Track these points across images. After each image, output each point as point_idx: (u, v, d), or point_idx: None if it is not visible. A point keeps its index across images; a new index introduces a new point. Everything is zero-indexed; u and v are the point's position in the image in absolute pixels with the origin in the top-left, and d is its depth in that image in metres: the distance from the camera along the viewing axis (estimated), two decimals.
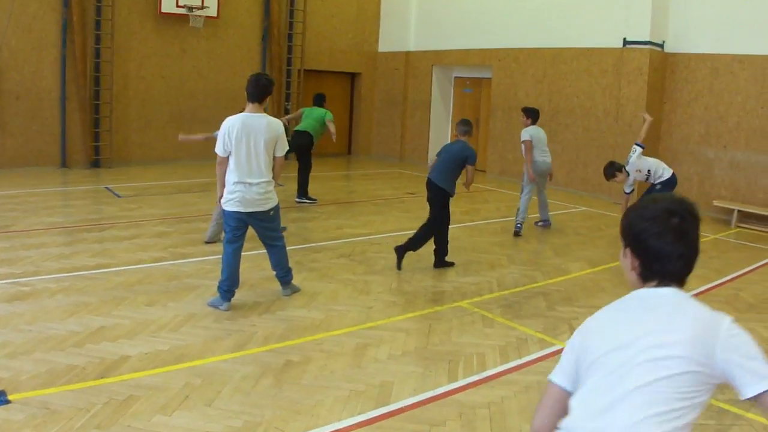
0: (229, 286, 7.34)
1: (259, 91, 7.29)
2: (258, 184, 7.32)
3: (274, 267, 7.84)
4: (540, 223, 12.69)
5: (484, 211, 13.95)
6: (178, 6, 17.57)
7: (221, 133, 7.17)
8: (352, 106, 22.87)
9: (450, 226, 9.59)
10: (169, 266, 8.93)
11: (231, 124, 7.19)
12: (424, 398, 5.49)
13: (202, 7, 17.80)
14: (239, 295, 7.69)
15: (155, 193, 13.80)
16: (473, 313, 7.69)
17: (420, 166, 20.24)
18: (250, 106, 7.30)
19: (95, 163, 17.17)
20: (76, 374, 5.59)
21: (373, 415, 5.15)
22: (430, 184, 9.30)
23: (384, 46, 22.48)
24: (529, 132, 12.07)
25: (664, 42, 15.77)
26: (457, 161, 9.20)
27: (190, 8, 17.65)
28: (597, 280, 9.14)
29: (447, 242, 9.41)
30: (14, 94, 16.01)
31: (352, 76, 22.76)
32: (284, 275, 7.88)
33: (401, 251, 9.19)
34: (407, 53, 21.65)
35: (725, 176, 14.91)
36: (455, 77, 21.40)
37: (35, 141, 16.48)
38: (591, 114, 16.62)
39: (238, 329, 6.83)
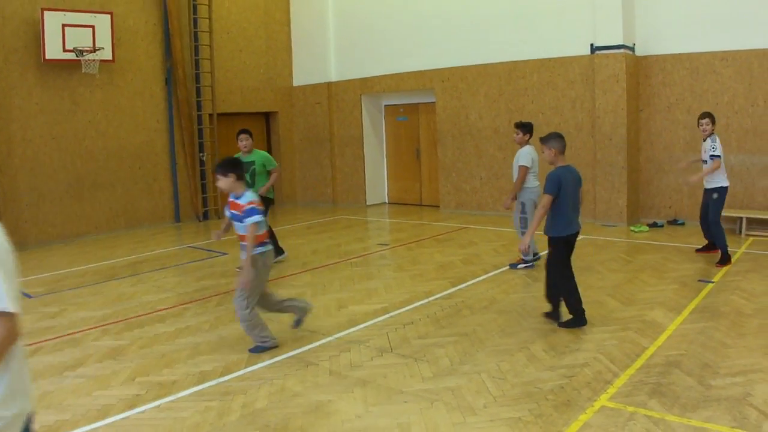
0: None
1: None
2: None
3: None
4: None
5: (484, 255, 11.54)
6: (65, 50, 14.45)
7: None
8: (270, 149, 20.07)
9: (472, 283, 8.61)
10: (156, 414, 5.90)
11: None
12: None
13: (95, 50, 14.77)
14: None
15: (75, 285, 10.72)
16: (633, 416, 5.27)
17: (355, 209, 17.86)
18: None
19: None
20: None
21: None
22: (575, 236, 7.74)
23: (300, 79, 19.88)
24: (530, 155, 10.29)
25: (634, 45, 14.06)
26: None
27: (81, 51, 14.58)
28: (707, 333, 7.29)
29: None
30: None
31: (267, 116, 19.96)
32: None
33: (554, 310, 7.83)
34: (329, 84, 19.17)
35: None
36: (385, 105, 18.96)
37: None
38: (560, 130, 14.42)
39: None
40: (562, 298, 7.71)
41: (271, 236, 10.98)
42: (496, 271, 10.52)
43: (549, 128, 14.22)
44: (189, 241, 14.75)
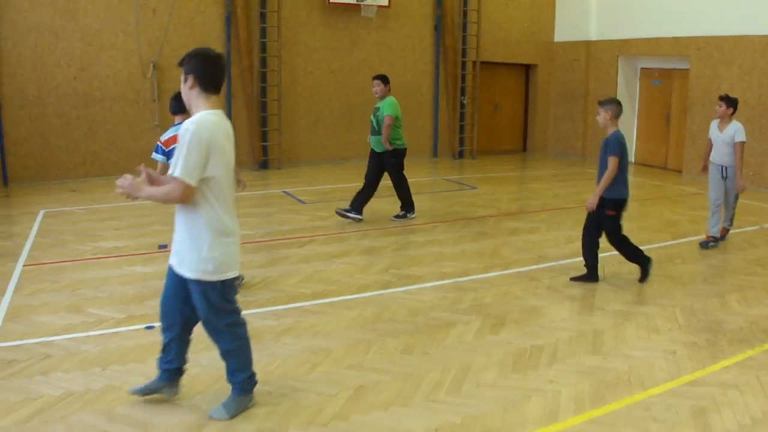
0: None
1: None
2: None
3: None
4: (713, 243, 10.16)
5: None
6: None
7: (195, 146, 4.33)
8: (527, 100, 21.17)
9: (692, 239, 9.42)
10: (402, 295, 7.60)
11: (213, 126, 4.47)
12: None
13: None
14: (509, 335, 6.41)
15: (339, 197, 12.50)
16: None
17: None
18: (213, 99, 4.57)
19: (263, 164, 16.18)
20: None
21: None
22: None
23: (561, 35, 20.67)
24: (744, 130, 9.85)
25: None
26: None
27: None
28: None
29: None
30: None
31: (527, 68, 21.00)
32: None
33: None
34: (588, 43, 19.82)
35: None
36: (641, 68, 19.40)
37: None
38: None
39: (536, 388, 5.35)
40: (632, 255, 8.22)
41: (405, 188, 11.22)
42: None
43: None
44: (444, 174, 16.39)
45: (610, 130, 7.80)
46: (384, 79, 10.86)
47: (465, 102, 18.84)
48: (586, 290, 7.89)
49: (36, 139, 13.76)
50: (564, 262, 8.96)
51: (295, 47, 16.51)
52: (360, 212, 10.93)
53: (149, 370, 5.40)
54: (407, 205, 11.22)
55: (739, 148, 9.67)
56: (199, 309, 4.62)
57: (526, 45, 20.23)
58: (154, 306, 6.68)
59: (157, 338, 5.83)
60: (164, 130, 14.87)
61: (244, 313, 4.87)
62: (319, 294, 7.49)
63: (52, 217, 10.83)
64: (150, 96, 14.86)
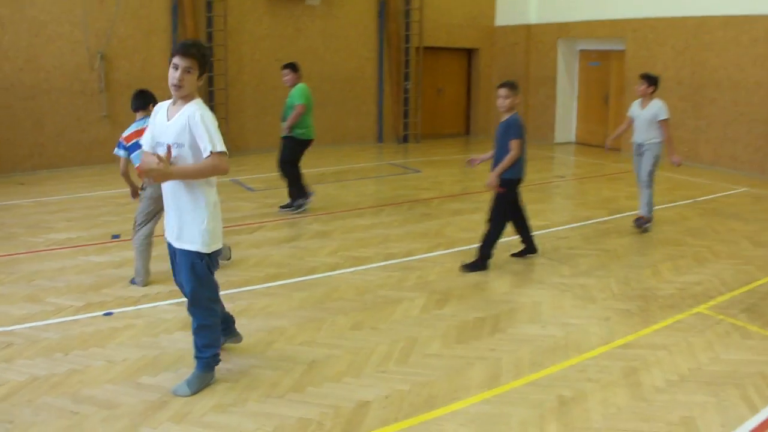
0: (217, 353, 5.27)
1: None
2: None
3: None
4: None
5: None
6: None
7: (215, 123, 4.79)
8: (470, 83, 21.59)
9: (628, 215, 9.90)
10: (350, 275, 7.91)
11: None
12: None
13: None
14: (452, 310, 6.76)
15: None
16: (720, 322, 6.55)
17: (543, 145, 19.06)
18: None
19: None
20: None
21: None
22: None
23: (502, 19, 21.08)
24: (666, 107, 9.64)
25: None
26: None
27: None
28: None
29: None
30: (124, 84, 15.13)
31: (469, 53, 21.39)
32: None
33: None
34: (528, 26, 20.25)
35: None
36: (580, 50, 19.91)
37: None
38: (740, 86, 15.07)
39: (479, 356, 5.73)
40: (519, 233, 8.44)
41: (295, 176, 10.89)
42: (655, 208, 11.49)
43: (730, 83, 14.94)
44: (389, 159, 16.71)
45: (509, 114, 7.87)
46: (293, 67, 10.54)
47: (408, 87, 19.16)
48: (526, 265, 8.30)
49: None
50: (505, 240, 9.21)
51: (241, 36, 16.68)
52: (305, 197, 10.84)
53: (111, 354, 5.68)
54: (297, 195, 10.92)
55: (665, 125, 9.68)
56: (187, 283, 4.99)
57: (467, 30, 20.57)
58: (112, 294, 6.99)
59: (115, 324, 6.15)
60: (112, 120, 15.23)
61: None
62: (271, 277, 7.76)
63: (2, 211, 10.90)
64: (97, 87, 14.86)
